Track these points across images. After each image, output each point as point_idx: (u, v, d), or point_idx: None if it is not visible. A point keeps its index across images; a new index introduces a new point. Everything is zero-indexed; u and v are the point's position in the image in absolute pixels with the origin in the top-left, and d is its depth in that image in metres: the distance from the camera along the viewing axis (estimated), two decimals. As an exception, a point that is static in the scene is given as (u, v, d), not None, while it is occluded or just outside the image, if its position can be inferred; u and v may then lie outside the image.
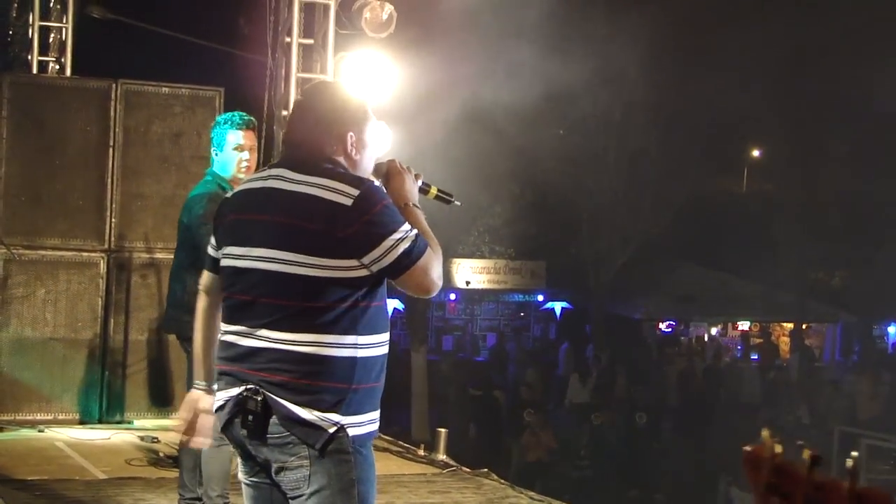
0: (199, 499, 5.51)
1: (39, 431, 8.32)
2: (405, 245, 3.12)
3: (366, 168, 3.35)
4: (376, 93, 9.13)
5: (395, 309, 26.70)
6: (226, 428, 3.23)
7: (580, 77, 18.28)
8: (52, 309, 8.62)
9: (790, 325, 28.14)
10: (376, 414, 3.22)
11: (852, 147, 24.65)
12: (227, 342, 3.23)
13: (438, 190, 3.67)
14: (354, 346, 3.12)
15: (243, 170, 5.55)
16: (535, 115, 19.59)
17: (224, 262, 3.28)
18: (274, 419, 3.08)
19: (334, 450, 3.08)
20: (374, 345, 3.18)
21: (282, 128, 8.60)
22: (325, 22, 9.33)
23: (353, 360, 3.12)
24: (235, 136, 5.61)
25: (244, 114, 5.78)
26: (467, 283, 26.31)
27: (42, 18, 9.97)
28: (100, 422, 8.64)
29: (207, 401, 3.41)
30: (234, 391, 3.16)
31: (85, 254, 8.74)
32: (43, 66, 10.08)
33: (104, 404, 8.72)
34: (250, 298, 3.17)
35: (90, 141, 8.79)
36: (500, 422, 17.53)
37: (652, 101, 21.69)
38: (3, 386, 8.47)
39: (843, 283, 28.60)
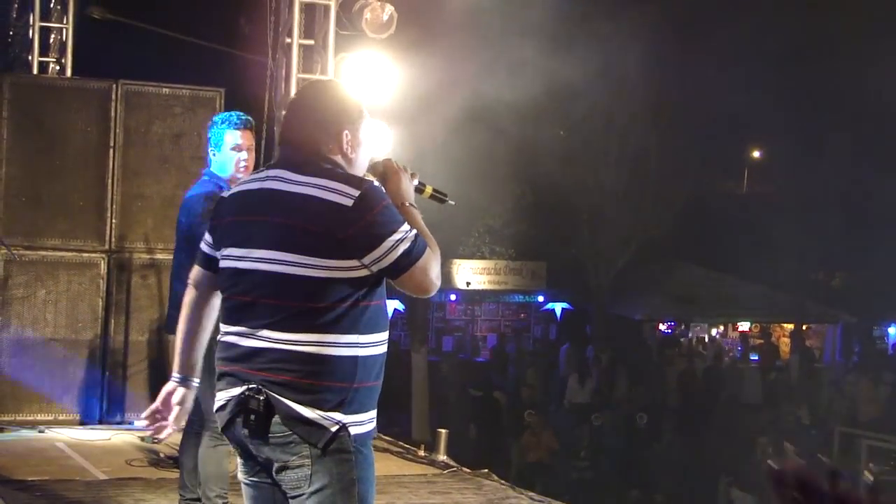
0: (200, 499, 5.51)
1: (40, 432, 8.32)
2: (405, 245, 3.14)
3: (361, 167, 3.36)
4: (377, 93, 9.13)
5: (395, 309, 26.71)
6: (226, 428, 3.23)
7: (581, 78, 18.30)
8: (53, 309, 8.63)
9: (790, 326, 28.12)
10: (375, 413, 3.23)
11: (853, 148, 24.65)
12: (228, 343, 3.23)
13: (433, 189, 3.68)
14: (356, 345, 3.14)
15: (242, 170, 5.54)
16: (536, 116, 19.62)
17: (223, 264, 3.28)
18: (276, 418, 3.09)
19: (336, 449, 3.10)
20: (374, 343, 3.19)
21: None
22: (325, 22, 9.33)
23: (354, 360, 3.13)
24: (233, 136, 5.60)
25: (242, 114, 5.77)
26: (468, 283, 26.29)
27: (42, 19, 9.98)
28: (100, 422, 8.64)
29: (180, 394, 3.46)
30: (236, 391, 3.16)
31: (85, 254, 8.74)
32: (43, 66, 10.08)
33: (105, 405, 8.72)
34: (251, 299, 3.17)
35: (90, 141, 8.80)
36: (500, 422, 17.53)
37: (652, 102, 21.69)
38: (3, 386, 8.48)
39: (844, 283, 28.59)
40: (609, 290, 25.13)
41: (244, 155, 5.60)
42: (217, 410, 3.26)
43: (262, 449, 3.15)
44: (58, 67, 10.12)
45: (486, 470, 7.68)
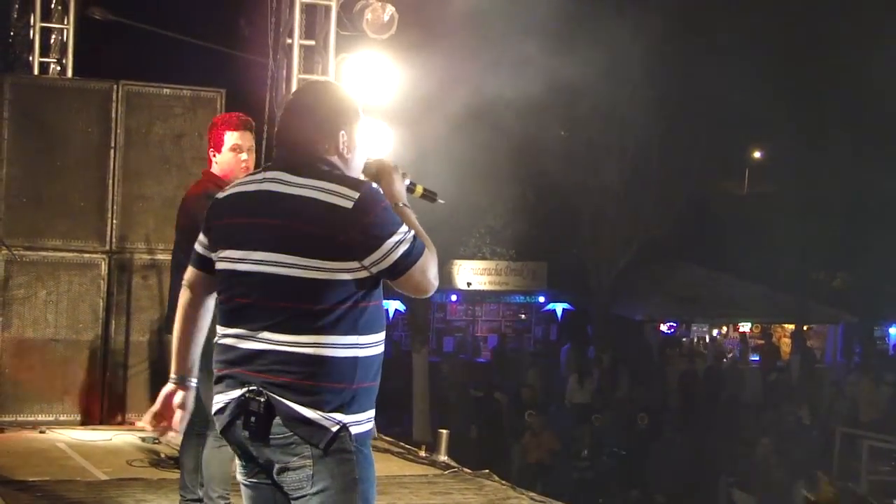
0: (201, 500, 5.50)
1: (41, 432, 8.32)
2: (404, 247, 3.15)
3: (357, 168, 3.36)
4: (378, 94, 9.13)
5: (396, 310, 26.74)
6: (226, 430, 3.23)
7: (582, 78, 18.29)
8: (54, 310, 8.63)
9: (791, 327, 28.13)
10: (373, 412, 3.24)
11: (854, 148, 24.63)
12: (227, 345, 3.23)
13: (424, 189, 3.69)
14: (355, 346, 3.14)
15: (242, 171, 5.53)
16: (537, 117, 19.62)
17: (221, 266, 3.27)
18: (277, 420, 3.09)
19: (337, 449, 3.10)
20: (373, 344, 3.20)
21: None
22: (326, 23, 9.33)
23: (354, 361, 3.14)
24: (233, 137, 5.59)
25: (242, 114, 5.77)
26: (468, 284, 26.32)
27: (43, 20, 9.98)
28: (101, 423, 8.64)
29: (180, 396, 3.45)
30: (235, 393, 3.16)
31: (86, 255, 8.75)
32: (44, 67, 10.09)
33: (105, 405, 8.72)
34: (250, 301, 3.17)
35: (91, 142, 8.80)
36: (501, 423, 17.53)
37: (653, 103, 21.69)
38: (4, 387, 8.48)
39: (845, 284, 28.59)
40: (610, 290, 25.14)
41: (244, 156, 5.60)
42: (215, 413, 3.26)
43: (262, 450, 3.15)
44: (59, 68, 10.12)
45: (486, 470, 7.68)
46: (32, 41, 9.96)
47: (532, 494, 7.24)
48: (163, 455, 7.48)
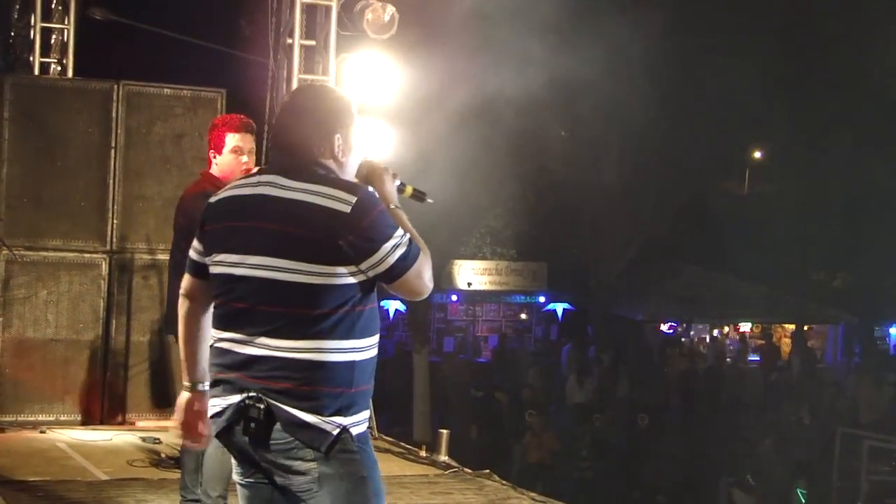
0: (201, 500, 5.50)
1: (41, 432, 8.32)
2: (401, 251, 3.16)
3: (351, 171, 3.36)
4: (378, 94, 9.13)
5: (396, 310, 26.75)
6: (223, 433, 3.23)
7: (582, 78, 18.28)
8: (54, 310, 8.63)
9: (792, 327, 28.13)
10: (368, 412, 3.25)
11: (854, 148, 24.62)
12: (223, 349, 3.22)
13: (414, 189, 3.69)
14: (352, 350, 3.15)
15: (242, 173, 5.52)
16: (537, 117, 19.60)
17: (216, 270, 3.26)
18: (277, 426, 3.09)
19: (340, 450, 3.12)
20: (369, 347, 3.21)
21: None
22: (326, 23, 9.33)
23: (352, 365, 3.15)
24: (234, 139, 5.58)
25: (243, 116, 5.76)
26: (469, 284, 26.32)
27: (44, 20, 9.97)
28: (101, 423, 8.64)
29: (198, 402, 3.41)
30: (234, 398, 3.16)
31: (87, 255, 8.75)
32: (45, 67, 10.08)
33: (106, 405, 8.72)
34: (247, 306, 3.17)
35: (92, 142, 8.80)
36: (501, 423, 17.52)
37: (653, 103, 21.67)
38: (5, 387, 8.49)
39: (845, 284, 28.59)
40: (610, 290, 25.15)
41: (245, 158, 5.59)
42: (212, 416, 3.25)
43: (264, 455, 3.16)
44: (59, 68, 10.11)
45: (487, 470, 7.69)
46: (33, 41, 9.95)
47: (533, 494, 7.24)
48: (163, 455, 7.49)
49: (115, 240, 8.81)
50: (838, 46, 23.09)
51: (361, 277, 3.14)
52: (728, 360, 25.52)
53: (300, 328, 3.10)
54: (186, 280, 3.44)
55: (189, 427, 3.42)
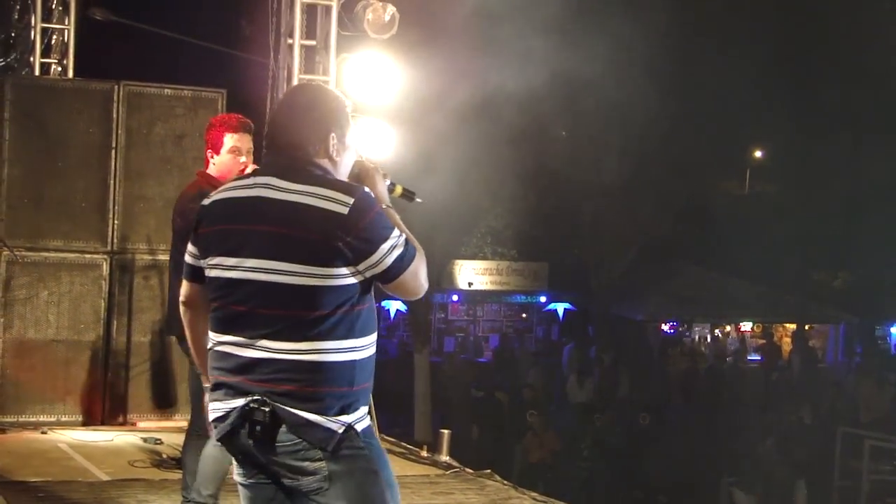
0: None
1: (42, 433, 8.32)
2: (398, 251, 3.16)
3: (345, 171, 3.36)
4: (379, 94, 9.13)
5: (397, 311, 26.76)
6: (226, 437, 3.22)
7: (583, 78, 18.28)
8: (55, 311, 8.63)
9: (792, 326, 28.13)
10: (367, 408, 3.26)
11: (855, 148, 24.63)
12: (223, 352, 3.21)
13: (403, 188, 3.69)
14: (353, 349, 3.16)
15: (240, 173, 5.48)
16: (538, 117, 19.61)
17: (213, 273, 3.24)
18: (283, 428, 3.10)
19: (347, 447, 3.13)
20: (368, 345, 3.22)
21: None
22: (327, 23, 9.32)
23: (352, 364, 3.16)
24: (233, 140, 5.55)
25: (241, 116, 5.74)
26: (470, 284, 26.32)
27: (44, 20, 9.98)
28: (102, 423, 8.64)
29: None
30: (238, 402, 3.15)
31: (87, 255, 8.75)
32: (45, 68, 10.08)
33: (107, 406, 8.72)
34: (246, 309, 3.16)
35: (93, 143, 8.80)
36: (502, 423, 17.52)
37: (654, 103, 21.67)
38: (6, 388, 8.48)
39: (846, 284, 28.58)
40: (611, 290, 25.15)
41: (243, 158, 5.56)
42: (214, 420, 3.25)
43: (270, 458, 3.16)
44: (60, 69, 10.12)
45: (488, 470, 7.69)
46: (33, 42, 9.95)
47: (534, 494, 7.24)
48: (164, 456, 7.49)
49: (115, 240, 8.81)
50: (839, 46, 23.10)
51: (359, 278, 3.14)
52: (728, 359, 25.53)
53: (300, 330, 3.10)
54: (185, 286, 3.42)
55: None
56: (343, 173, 3.34)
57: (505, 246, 25.81)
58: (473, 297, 27.87)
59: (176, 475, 6.43)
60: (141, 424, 8.68)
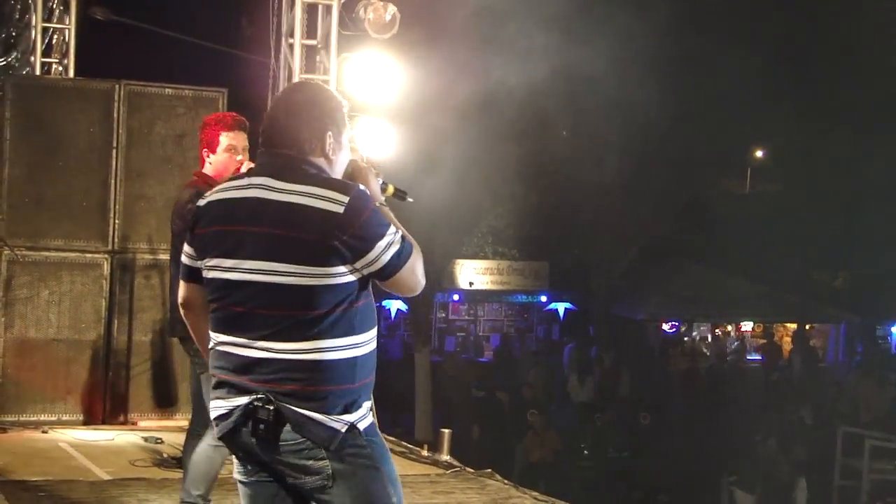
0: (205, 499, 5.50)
1: (43, 432, 8.32)
2: (395, 248, 3.17)
3: (340, 170, 3.35)
4: (380, 93, 9.13)
5: (398, 310, 26.75)
6: (228, 435, 3.22)
7: (584, 78, 18.28)
8: (56, 310, 8.63)
9: (793, 326, 28.12)
10: (371, 402, 3.28)
11: (856, 147, 24.60)
12: (224, 352, 3.22)
13: (395, 188, 3.70)
14: (353, 346, 3.16)
15: (237, 172, 5.45)
16: (539, 116, 19.62)
17: (210, 274, 3.24)
18: (287, 426, 3.10)
19: (350, 445, 3.15)
20: (368, 342, 3.23)
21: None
22: (327, 22, 9.33)
23: (353, 361, 3.16)
24: (228, 138, 5.52)
25: (235, 114, 5.72)
26: (471, 283, 26.32)
27: (45, 20, 9.98)
28: (103, 423, 8.64)
29: None
30: (241, 400, 3.16)
31: (88, 255, 8.75)
32: (46, 67, 10.09)
33: (108, 405, 8.72)
34: (245, 310, 3.16)
35: (93, 142, 8.80)
36: (503, 422, 17.53)
37: (655, 102, 21.69)
38: (7, 387, 8.49)
39: (847, 283, 28.57)
40: (612, 290, 25.15)
41: (240, 157, 5.53)
42: (216, 418, 3.25)
43: (273, 456, 3.16)
44: (60, 68, 10.13)
45: (489, 470, 7.69)
46: (34, 41, 9.96)
47: (534, 494, 7.24)
48: (165, 455, 7.49)
49: (116, 240, 8.81)
50: (841, 45, 23.08)
51: (357, 276, 3.15)
52: (729, 358, 25.52)
53: (300, 330, 3.10)
54: (183, 287, 3.42)
55: None
56: (338, 172, 3.34)
57: (506, 245, 25.80)
58: (474, 297, 27.86)
59: (177, 474, 6.43)
60: (142, 424, 8.69)
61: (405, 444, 8.63)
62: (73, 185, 8.75)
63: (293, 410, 3.09)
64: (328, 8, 9.31)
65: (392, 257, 3.15)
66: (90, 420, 8.64)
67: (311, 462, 3.12)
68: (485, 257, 26.11)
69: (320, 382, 3.10)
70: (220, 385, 3.24)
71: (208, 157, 5.55)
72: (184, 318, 3.50)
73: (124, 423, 8.70)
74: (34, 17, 9.93)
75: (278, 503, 3.28)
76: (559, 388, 21.63)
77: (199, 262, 3.29)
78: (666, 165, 23.08)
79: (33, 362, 8.56)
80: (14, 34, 10.92)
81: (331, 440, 3.11)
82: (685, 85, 21.43)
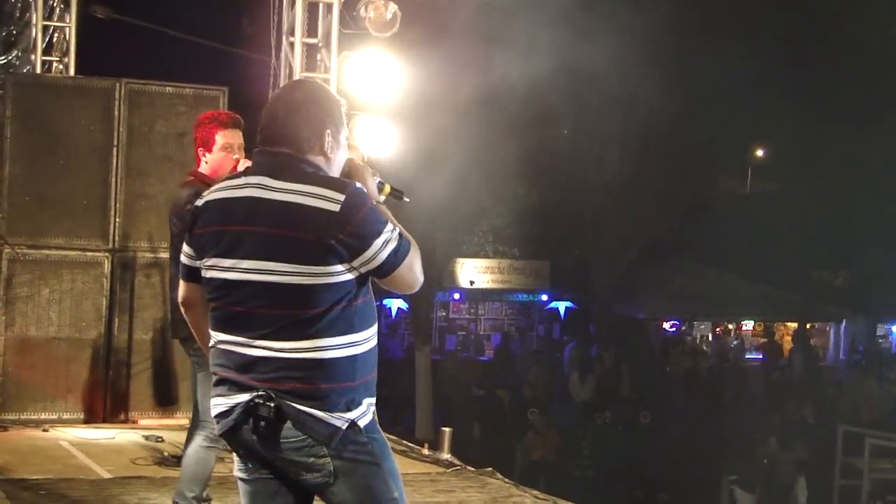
0: (204, 499, 5.49)
1: (44, 431, 8.32)
2: (392, 246, 3.16)
3: (338, 168, 3.35)
4: (380, 92, 9.13)
5: (399, 309, 26.75)
6: (229, 432, 3.23)
7: (584, 77, 18.28)
8: (57, 308, 8.64)
9: (794, 325, 28.11)
10: (373, 399, 3.27)
11: (857, 146, 24.60)
12: (225, 350, 3.22)
13: (392, 188, 3.70)
14: (353, 344, 3.16)
15: (234, 170, 5.43)
16: (540, 115, 19.61)
17: (209, 274, 3.25)
18: (287, 423, 3.11)
19: (351, 442, 3.15)
20: (368, 339, 3.23)
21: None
22: (328, 21, 9.33)
23: (353, 359, 3.16)
24: (225, 137, 5.51)
25: (230, 112, 5.71)
26: (471, 282, 26.31)
27: (45, 18, 9.98)
28: (104, 421, 8.64)
29: None
30: (242, 397, 3.16)
31: (89, 253, 8.75)
32: (47, 65, 10.09)
33: (108, 404, 8.72)
34: (244, 309, 3.16)
35: (94, 140, 8.80)
36: (504, 421, 17.53)
37: (656, 101, 21.68)
38: (7, 385, 8.49)
39: (847, 282, 28.56)
40: (612, 289, 25.13)
41: (237, 155, 5.52)
42: (217, 415, 3.25)
43: (275, 454, 3.17)
44: (61, 66, 10.12)
45: (489, 468, 7.69)
46: (35, 40, 9.96)
47: (535, 492, 7.24)
48: (166, 453, 7.49)
49: (117, 238, 8.81)
50: (841, 44, 23.08)
51: (355, 274, 3.14)
52: (728, 358, 25.50)
53: (299, 329, 3.10)
54: (182, 286, 3.43)
55: None
56: (336, 171, 3.34)
57: (506, 244, 25.78)
58: (475, 296, 27.84)
59: (177, 473, 6.43)
60: (142, 422, 8.69)
61: (406, 442, 8.63)
62: (73, 183, 8.75)
63: (294, 407, 3.09)
64: (329, 6, 9.31)
65: (389, 255, 3.15)
66: (91, 418, 8.64)
67: (312, 459, 3.13)
68: (486, 256, 26.09)
69: (320, 380, 3.11)
70: (220, 382, 3.24)
71: (204, 155, 5.53)
72: (184, 316, 3.51)
73: (125, 421, 8.71)
74: (35, 16, 9.93)
75: (279, 500, 3.28)
76: (560, 387, 21.63)
77: (198, 262, 3.29)
78: (667, 164, 23.07)
79: (34, 361, 8.57)
80: (15, 32, 10.93)
81: (331, 437, 3.11)
82: (686, 84, 21.41)
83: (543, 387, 20.19)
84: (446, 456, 7.98)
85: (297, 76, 9.16)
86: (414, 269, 3.24)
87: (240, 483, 3.34)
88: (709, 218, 26.38)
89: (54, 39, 10.22)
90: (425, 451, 8.13)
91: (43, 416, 8.52)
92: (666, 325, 28.60)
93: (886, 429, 16.08)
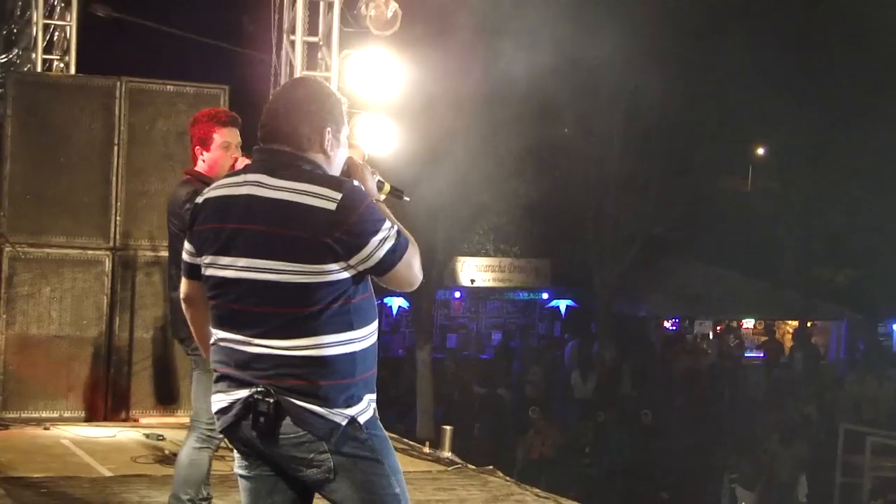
0: (205, 498, 5.49)
1: (45, 429, 8.32)
2: (389, 244, 3.16)
3: (337, 167, 3.35)
4: (381, 90, 9.13)
5: (399, 307, 26.75)
6: (229, 428, 3.23)
7: (585, 75, 18.28)
8: (58, 307, 8.64)
9: (795, 323, 28.10)
10: (373, 395, 3.27)
11: (858, 145, 24.58)
12: (224, 347, 3.23)
13: (391, 186, 3.70)
14: (351, 341, 3.17)
15: (232, 168, 5.41)
16: (540, 113, 19.60)
17: (208, 272, 3.26)
18: (287, 420, 3.11)
19: (351, 439, 3.15)
20: (368, 336, 3.22)
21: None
22: (329, 19, 9.33)
23: (352, 355, 3.17)
24: (223, 135, 5.49)
25: (227, 110, 5.69)
26: (472, 281, 26.31)
27: (46, 17, 9.98)
28: (105, 419, 8.65)
29: None
30: (241, 394, 3.17)
31: (90, 252, 8.75)
32: (48, 64, 10.08)
33: (109, 402, 8.73)
34: (242, 307, 3.17)
35: (95, 139, 8.80)
36: (505, 419, 17.54)
37: (657, 99, 21.68)
38: (8, 384, 8.49)
39: (849, 280, 28.54)
40: (613, 287, 25.11)
41: (233, 153, 5.50)
42: (217, 411, 3.26)
43: (274, 450, 3.17)
44: (62, 65, 10.12)
45: (490, 466, 7.69)
46: (35, 38, 9.96)
47: (536, 490, 7.25)
48: (167, 452, 7.49)
49: (118, 237, 8.81)
50: (844, 42, 23.06)
51: (352, 272, 3.14)
52: (729, 357, 25.49)
53: (297, 326, 3.11)
54: (184, 283, 3.44)
55: None
56: (336, 169, 3.34)
57: (507, 243, 25.78)
58: (476, 294, 27.84)
59: (178, 471, 6.44)
60: (143, 420, 8.69)
61: (407, 440, 8.64)
62: (74, 181, 8.75)
63: (293, 403, 3.10)
64: (330, 5, 9.31)
65: (387, 253, 3.15)
66: (92, 417, 8.65)
67: (312, 455, 3.13)
68: (486, 254, 26.09)
69: (320, 377, 3.11)
70: (221, 379, 3.25)
71: (202, 154, 5.50)
72: (185, 313, 3.52)
73: (126, 419, 8.71)
74: (35, 14, 9.92)
75: (279, 497, 3.28)
76: (560, 386, 21.63)
77: (197, 259, 3.30)
78: (668, 163, 23.06)
79: (35, 359, 8.57)
80: (15, 31, 10.94)
81: (331, 433, 3.11)
82: (687, 82, 21.40)
83: (544, 385, 20.20)
84: (447, 454, 7.98)
85: (297, 74, 9.16)
86: (413, 267, 3.24)
87: (240, 479, 3.34)
88: (710, 216, 26.37)
89: (55, 38, 10.22)
90: (426, 450, 8.14)
91: (44, 414, 8.52)
92: (667, 324, 28.58)
93: (887, 427, 16.10)
